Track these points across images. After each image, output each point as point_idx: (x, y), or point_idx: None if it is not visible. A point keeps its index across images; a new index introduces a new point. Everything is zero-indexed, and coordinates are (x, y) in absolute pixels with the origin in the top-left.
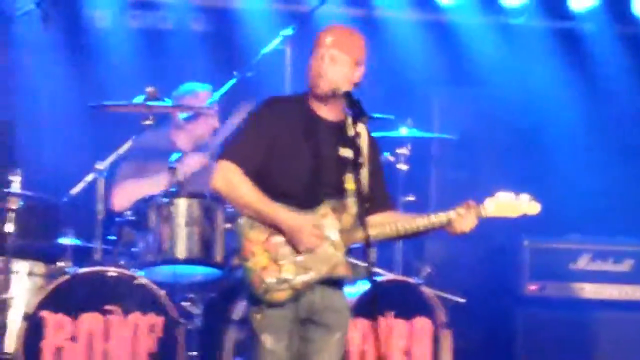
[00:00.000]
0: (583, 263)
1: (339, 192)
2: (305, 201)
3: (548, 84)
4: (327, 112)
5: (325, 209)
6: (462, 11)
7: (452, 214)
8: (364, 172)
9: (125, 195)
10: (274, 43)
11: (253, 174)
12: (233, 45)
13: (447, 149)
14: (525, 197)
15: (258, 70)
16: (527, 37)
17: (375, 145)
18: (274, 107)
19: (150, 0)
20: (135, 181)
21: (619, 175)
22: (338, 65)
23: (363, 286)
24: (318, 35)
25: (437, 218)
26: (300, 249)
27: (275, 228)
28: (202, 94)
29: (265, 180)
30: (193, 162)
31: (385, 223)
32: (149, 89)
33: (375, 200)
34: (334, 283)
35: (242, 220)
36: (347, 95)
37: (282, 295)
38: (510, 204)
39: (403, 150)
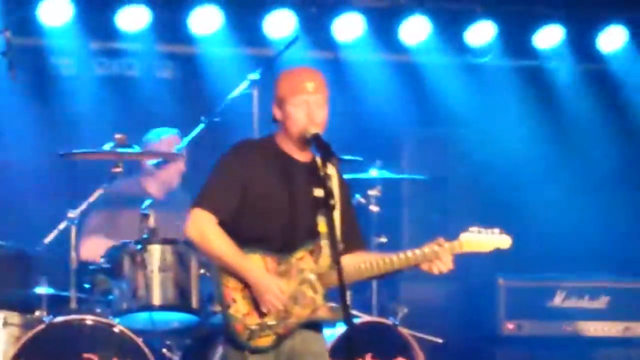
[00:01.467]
0: (559, 301)
1: (315, 235)
2: (282, 245)
3: (516, 122)
4: (299, 154)
5: (302, 252)
6: (427, 52)
7: (426, 250)
8: (337, 214)
9: (92, 249)
10: (241, 87)
11: (228, 221)
12: (200, 91)
13: (418, 189)
14: (495, 230)
15: (226, 115)
16: (493, 76)
17: (346, 186)
18: (244, 152)
19: (116, 47)
20: (103, 238)
21: (591, 212)
22: (324, 109)
23: (340, 329)
24: (293, 81)
25: (412, 255)
26: (263, 310)
27: None
28: (169, 138)
29: (241, 226)
30: None
31: (360, 263)
32: (118, 136)
33: (348, 241)
34: (314, 326)
35: (218, 267)
36: (316, 137)
37: (265, 340)
38: (482, 238)
39: (374, 192)
